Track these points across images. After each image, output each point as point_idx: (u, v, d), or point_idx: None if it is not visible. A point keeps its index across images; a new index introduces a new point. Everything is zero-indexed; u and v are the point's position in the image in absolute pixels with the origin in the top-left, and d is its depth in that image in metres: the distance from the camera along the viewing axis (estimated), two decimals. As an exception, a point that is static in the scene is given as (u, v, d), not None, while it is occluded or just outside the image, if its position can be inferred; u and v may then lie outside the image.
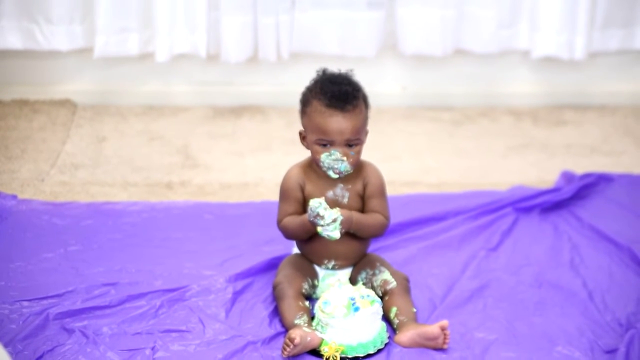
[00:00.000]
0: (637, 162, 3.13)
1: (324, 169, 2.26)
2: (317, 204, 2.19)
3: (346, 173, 2.27)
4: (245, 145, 3.22)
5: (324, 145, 2.23)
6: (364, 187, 2.31)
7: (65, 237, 2.54)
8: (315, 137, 2.24)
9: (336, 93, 2.21)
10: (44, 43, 3.33)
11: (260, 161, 3.12)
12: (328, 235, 2.20)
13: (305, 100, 2.27)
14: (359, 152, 2.25)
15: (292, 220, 2.28)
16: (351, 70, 2.29)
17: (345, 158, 2.23)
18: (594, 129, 3.38)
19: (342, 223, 2.21)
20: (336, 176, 2.27)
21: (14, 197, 2.71)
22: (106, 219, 2.63)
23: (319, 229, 2.20)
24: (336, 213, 2.20)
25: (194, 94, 3.49)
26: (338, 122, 2.21)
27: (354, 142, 2.23)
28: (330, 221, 2.18)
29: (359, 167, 2.30)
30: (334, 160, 2.24)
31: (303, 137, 2.29)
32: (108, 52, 3.34)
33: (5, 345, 2.07)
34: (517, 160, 3.17)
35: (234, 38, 3.37)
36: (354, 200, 2.30)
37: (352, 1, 3.39)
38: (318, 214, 2.18)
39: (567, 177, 2.89)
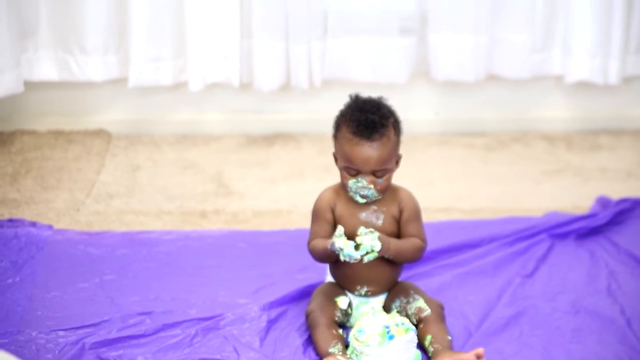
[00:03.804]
0: (673, 187, 3.10)
1: (351, 194, 2.26)
2: (338, 238, 2.19)
3: (374, 199, 2.27)
4: (278, 173, 3.23)
5: (351, 172, 2.23)
6: (400, 212, 2.30)
7: (101, 267, 2.55)
8: (343, 164, 2.25)
9: (363, 121, 2.21)
10: (78, 73, 3.37)
11: (293, 188, 3.12)
12: (349, 258, 2.20)
13: (337, 125, 2.28)
14: (388, 179, 2.25)
15: (318, 245, 2.28)
16: (383, 98, 2.29)
17: (372, 186, 2.23)
18: (629, 153, 3.36)
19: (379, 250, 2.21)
20: (363, 201, 2.27)
21: (50, 227, 2.73)
22: (141, 248, 2.65)
23: (341, 256, 2.20)
24: (372, 240, 2.19)
25: (226, 123, 3.51)
26: (364, 152, 2.20)
27: (380, 172, 2.22)
28: (357, 255, 2.18)
29: (393, 191, 2.30)
30: (361, 187, 2.24)
31: (336, 159, 2.30)
32: (142, 82, 3.37)
33: (42, 375, 2.08)
34: (551, 186, 3.15)
35: (267, 66, 3.38)
36: (389, 222, 2.30)
37: (384, 27, 3.39)
38: (340, 249, 2.19)
39: (603, 202, 2.87)
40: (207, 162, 3.29)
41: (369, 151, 2.21)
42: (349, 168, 2.23)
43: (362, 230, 2.22)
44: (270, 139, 3.45)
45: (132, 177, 3.18)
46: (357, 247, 2.20)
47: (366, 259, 2.20)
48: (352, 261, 2.20)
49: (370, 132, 2.21)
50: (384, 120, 2.23)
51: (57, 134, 3.43)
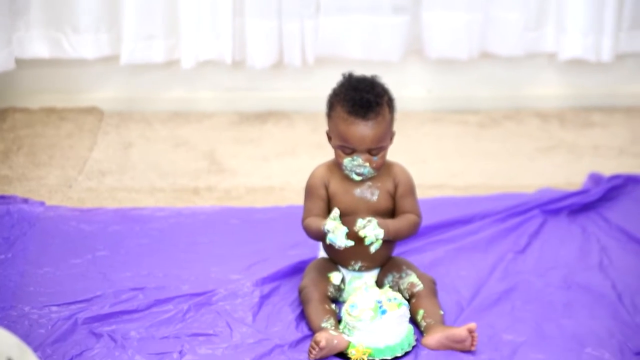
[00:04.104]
0: (665, 163, 3.11)
1: (347, 172, 2.26)
2: (332, 221, 2.19)
3: (370, 176, 2.27)
4: (270, 150, 3.23)
5: (347, 151, 2.23)
6: (395, 187, 2.30)
7: (93, 243, 2.55)
8: (338, 143, 2.24)
9: (357, 101, 2.21)
10: (70, 51, 3.36)
11: (285, 166, 3.12)
12: (339, 246, 2.20)
13: (330, 104, 2.27)
14: (383, 157, 2.25)
15: (313, 223, 2.28)
16: (377, 77, 2.28)
17: (367, 164, 2.23)
18: (621, 130, 3.36)
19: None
20: (359, 179, 2.27)
21: (42, 203, 2.73)
22: (133, 225, 2.65)
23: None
24: (374, 230, 2.19)
25: (219, 100, 3.51)
26: (359, 131, 2.20)
27: (375, 150, 2.23)
28: (342, 244, 2.18)
29: (387, 166, 2.30)
30: (357, 166, 2.24)
31: (330, 138, 2.29)
32: (134, 60, 3.36)
33: (35, 350, 2.08)
34: (544, 163, 3.15)
35: (259, 44, 3.37)
36: (384, 198, 2.30)
37: (377, 6, 3.38)
38: (329, 231, 2.19)
39: (595, 179, 2.88)
40: (199, 139, 3.29)
41: (364, 130, 2.20)
42: (344, 147, 2.23)
43: (360, 222, 2.21)
44: (263, 117, 3.45)
45: (124, 154, 3.17)
46: (354, 239, 2.20)
47: (373, 249, 2.21)
48: (335, 247, 2.20)
49: (365, 111, 2.20)
50: (379, 99, 2.22)
51: (49, 111, 3.42)
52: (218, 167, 3.10)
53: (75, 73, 3.46)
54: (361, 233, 2.20)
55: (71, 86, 3.48)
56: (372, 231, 2.19)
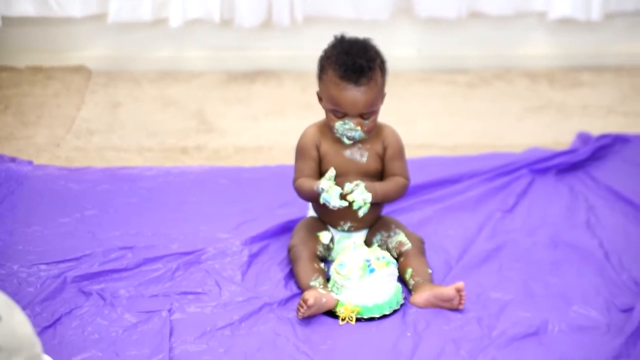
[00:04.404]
0: (653, 123, 3.11)
1: (338, 135, 2.26)
2: (327, 180, 2.19)
3: (360, 139, 2.26)
4: (259, 110, 3.22)
5: (338, 115, 2.23)
6: (384, 149, 2.30)
7: (82, 202, 2.55)
8: (329, 107, 2.23)
9: (350, 66, 2.19)
10: (57, 9, 3.33)
11: (274, 125, 3.12)
12: (333, 206, 2.20)
13: (322, 67, 2.25)
14: (374, 120, 2.25)
15: (305, 184, 2.28)
16: (369, 39, 2.26)
17: (359, 128, 2.23)
18: (610, 90, 3.36)
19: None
20: (350, 142, 2.26)
21: (30, 162, 2.72)
22: (122, 184, 2.64)
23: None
24: (361, 194, 2.19)
25: (207, 59, 3.49)
26: (352, 96, 2.19)
27: (367, 114, 2.22)
28: (336, 204, 2.18)
29: (377, 129, 2.30)
30: (348, 130, 2.23)
31: (320, 99, 2.28)
32: (122, 18, 3.34)
33: (24, 308, 2.08)
34: (533, 122, 3.15)
35: (247, 2, 3.35)
36: (373, 159, 2.30)
37: (366, -36, 3.37)
38: (323, 189, 2.18)
39: (583, 138, 2.88)
40: (188, 98, 3.28)
41: (356, 95, 2.19)
42: (336, 111, 2.22)
43: (348, 187, 2.21)
44: (252, 76, 3.43)
45: (112, 113, 3.16)
46: (346, 201, 2.19)
47: (361, 213, 2.21)
48: (329, 206, 2.20)
49: (358, 76, 2.19)
50: (371, 64, 2.21)
51: (36, 70, 3.40)
52: (207, 127, 3.09)
53: (63, 31, 3.44)
54: (349, 197, 2.20)
55: (58, 45, 3.45)
56: (359, 195, 2.19)
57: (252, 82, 3.40)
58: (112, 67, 3.44)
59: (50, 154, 2.88)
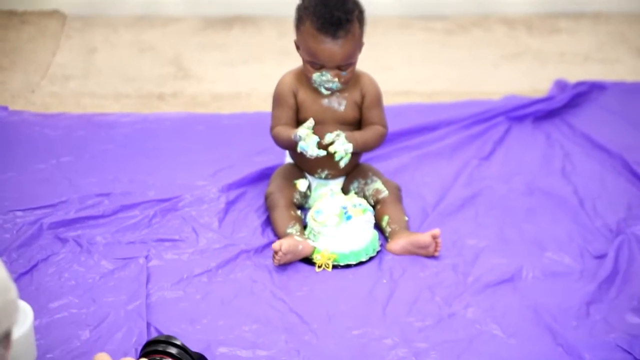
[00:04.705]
0: (630, 70, 3.11)
1: (315, 86, 2.25)
2: (304, 129, 2.18)
3: (338, 89, 2.26)
4: (237, 56, 3.20)
5: (315, 66, 2.21)
6: (362, 98, 2.29)
7: (57, 148, 2.53)
8: (307, 58, 2.22)
9: (328, 18, 2.16)
10: (31, -48, 3.28)
11: (252, 72, 3.10)
12: (310, 155, 2.19)
13: (299, 17, 2.23)
14: (351, 72, 2.23)
15: (283, 132, 2.27)
16: None
17: (336, 79, 2.22)
18: (588, 37, 3.36)
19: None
20: (328, 92, 2.26)
21: (5, 108, 2.70)
22: (98, 130, 2.63)
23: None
24: (343, 145, 2.18)
25: (184, 4, 3.45)
26: (329, 49, 2.18)
27: (345, 66, 2.21)
28: (313, 153, 2.17)
29: (355, 77, 2.29)
30: (325, 81, 2.22)
31: (298, 47, 2.27)
32: (97, -38, 3.30)
33: (0, 254, 2.08)
34: (510, 70, 3.15)
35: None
36: (351, 108, 2.29)
37: None
38: (300, 137, 2.18)
39: (561, 85, 2.89)
40: (165, 44, 3.25)
41: (333, 48, 2.18)
42: (313, 63, 2.21)
43: (328, 137, 2.20)
44: (229, 22, 3.41)
45: (88, 59, 3.13)
46: (327, 152, 2.18)
47: (342, 164, 2.20)
48: (307, 155, 2.19)
49: (335, 29, 2.17)
50: (349, 15, 2.18)
51: (10, 14, 3.35)
52: (184, 73, 3.07)
53: (37, -25, 3.40)
54: (331, 149, 2.19)
55: (32, -11, 3.41)
56: (341, 146, 2.19)
57: (229, 28, 3.37)
58: (87, 11, 3.40)
59: (25, 100, 2.85)
